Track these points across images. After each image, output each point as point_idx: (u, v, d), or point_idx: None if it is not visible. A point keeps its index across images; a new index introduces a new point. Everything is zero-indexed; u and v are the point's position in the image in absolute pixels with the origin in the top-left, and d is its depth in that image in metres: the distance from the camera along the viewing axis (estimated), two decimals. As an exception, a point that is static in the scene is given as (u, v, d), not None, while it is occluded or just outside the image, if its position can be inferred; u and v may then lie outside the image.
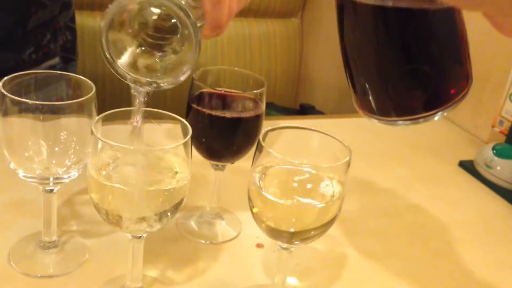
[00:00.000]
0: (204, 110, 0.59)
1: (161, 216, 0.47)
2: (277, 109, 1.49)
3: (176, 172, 0.50)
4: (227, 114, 0.60)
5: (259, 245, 0.65)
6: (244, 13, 1.59)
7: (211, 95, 0.61)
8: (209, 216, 0.67)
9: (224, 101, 0.61)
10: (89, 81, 0.53)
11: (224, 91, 0.62)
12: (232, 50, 1.57)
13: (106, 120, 0.48)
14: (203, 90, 0.61)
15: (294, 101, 1.68)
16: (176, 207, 0.48)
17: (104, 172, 0.47)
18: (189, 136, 0.48)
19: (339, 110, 1.55)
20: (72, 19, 1.02)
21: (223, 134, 0.61)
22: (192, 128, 0.61)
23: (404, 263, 0.65)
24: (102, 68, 1.36)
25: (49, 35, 0.94)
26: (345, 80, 0.44)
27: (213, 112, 0.59)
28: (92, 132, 0.45)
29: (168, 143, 0.48)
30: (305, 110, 1.51)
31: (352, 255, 0.65)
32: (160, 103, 1.19)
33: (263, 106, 0.62)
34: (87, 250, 0.59)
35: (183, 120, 0.50)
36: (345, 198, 0.76)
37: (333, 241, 0.67)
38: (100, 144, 0.45)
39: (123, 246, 0.61)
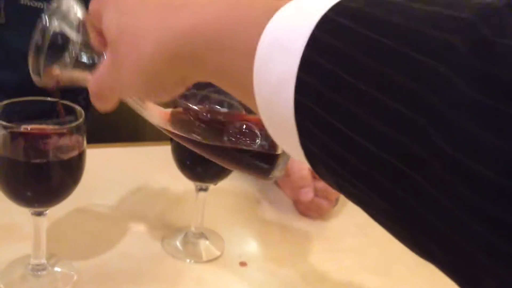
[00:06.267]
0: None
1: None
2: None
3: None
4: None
5: (243, 264, 0.67)
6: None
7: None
8: (193, 236, 0.69)
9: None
10: (79, 107, 0.55)
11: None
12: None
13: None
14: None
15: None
16: None
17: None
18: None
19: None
20: None
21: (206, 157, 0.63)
22: (178, 150, 0.64)
23: (382, 278, 0.68)
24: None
25: (84, 94, 0.99)
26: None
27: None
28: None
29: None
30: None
31: (332, 271, 0.68)
32: (139, 121, 1.20)
33: None
34: (76, 272, 0.61)
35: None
36: (324, 216, 0.79)
37: (315, 258, 0.70)
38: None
39: (111, 267, 0.63)
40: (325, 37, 0.26)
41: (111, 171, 0.82)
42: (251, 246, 0.71)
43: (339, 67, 0.25)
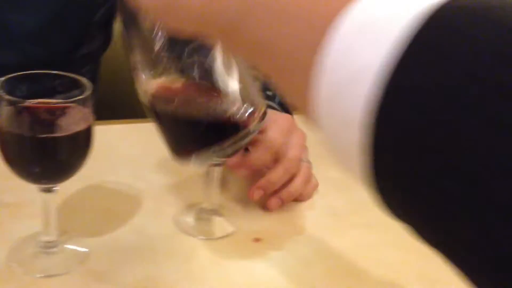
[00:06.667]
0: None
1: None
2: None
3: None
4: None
5: (257, 240, 0.65)
6: None
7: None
8: (206, 212, 0.68)
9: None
10: (86, 80, 0.54)
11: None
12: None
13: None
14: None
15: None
16: None
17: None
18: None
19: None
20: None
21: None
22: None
23: (400, 252, 0.66)
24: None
25: (88, 66, 0.98)
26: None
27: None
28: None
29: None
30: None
31: (351, 247, 0.66)
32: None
33: None
34: (87, 248, 0.60)
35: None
36: (335, 192, 0.77)
37: (332, 234, 0.68)
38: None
39: (123, 244, 0.62)
40: (431, 34, 0.22)
41: (122, 147, 0.81)
42: (265, 222, 0.70)
43: (452, 68, 0.21)
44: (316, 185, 0.75)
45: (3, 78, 0.51)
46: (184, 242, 0.64)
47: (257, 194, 0.68)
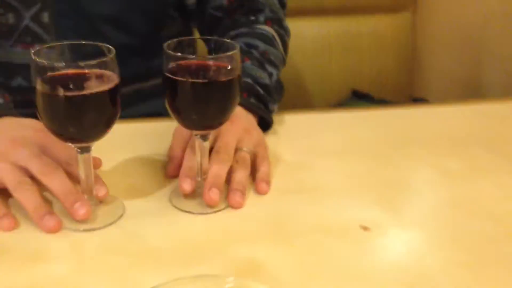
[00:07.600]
0: (178, 78, 0.60)
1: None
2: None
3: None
4: (201, 80, 0.61)
5: (365, 228, 0.61)
6: (353, 10, 1.56)
7: (185, 64, 0.62)
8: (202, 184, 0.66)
9: (199, 69, 0.62)
10: (107, 45, 0.58)
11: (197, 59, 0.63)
12: (340, 48, 1.55)
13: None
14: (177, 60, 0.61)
15: (407, 97, 1.61)
16: None
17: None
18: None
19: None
20: None
21: (199, 101, 0.61)
22: (172, 99, 0.62)
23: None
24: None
25: None
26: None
27: (187, 79, 0.60)
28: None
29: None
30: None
31: (465, 239, 0.61)
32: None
33: (238, 69, 0.62)
34: (123, 207, 0.64)
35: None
36: (452, 182, 0.72)
37: (444, 225, 0.63)
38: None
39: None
40: None
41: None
42: (374, 211, 0.65)
43: None
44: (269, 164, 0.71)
45: (37, 47, 0.57)
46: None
47: (214, 194, 0.63)
